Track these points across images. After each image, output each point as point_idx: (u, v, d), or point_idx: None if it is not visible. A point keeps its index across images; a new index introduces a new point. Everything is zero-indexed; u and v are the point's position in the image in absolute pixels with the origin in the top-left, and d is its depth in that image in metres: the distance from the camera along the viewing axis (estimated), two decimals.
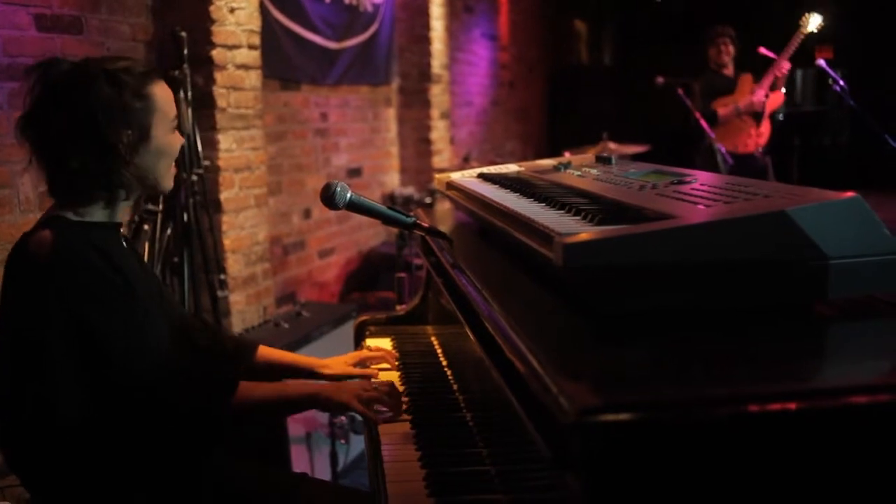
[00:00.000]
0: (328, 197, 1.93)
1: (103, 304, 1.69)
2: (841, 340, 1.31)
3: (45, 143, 1.76)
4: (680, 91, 5.84)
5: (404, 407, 1.93)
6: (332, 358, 2.21)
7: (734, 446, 0.97)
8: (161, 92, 1.83)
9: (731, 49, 6.04)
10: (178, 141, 1.89)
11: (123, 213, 1.88)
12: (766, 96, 5.81)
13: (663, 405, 0.96)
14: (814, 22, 5.58)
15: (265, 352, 2.17)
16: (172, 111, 1.86)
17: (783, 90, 5.95)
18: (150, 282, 1.95)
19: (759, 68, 5.94)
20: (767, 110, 5.87)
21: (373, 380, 2.12)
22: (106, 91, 1.74)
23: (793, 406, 0.98)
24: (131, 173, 1.78)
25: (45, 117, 1.76)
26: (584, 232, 1.32)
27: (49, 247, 1.68)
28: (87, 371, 1.68)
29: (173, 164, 1.89)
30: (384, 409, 1.90)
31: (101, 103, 1.73)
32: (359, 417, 3.31)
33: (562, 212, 1.60)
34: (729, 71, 6.08)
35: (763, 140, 5.96)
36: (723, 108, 5.86)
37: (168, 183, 1.89)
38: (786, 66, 5.75)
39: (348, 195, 1.94)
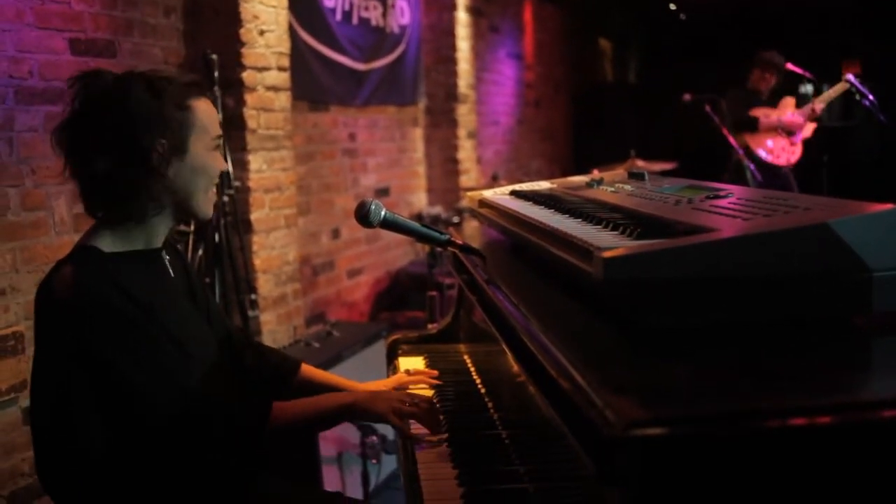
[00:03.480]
0: (363, 215, 1.92)
1: (122, 344, 1.66)
2: (887, 354, 1.28)
3: (78, 149, 1.72)
4: (707, 108, 5.84)
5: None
6: (373, 382, 2.20)
7: (783, 459, 0.95)
8: (203, 107, 1.79)
9: (774, 81, 6.15)
10: (217, 162, 1.82)
11: (162, 237, 1.84)
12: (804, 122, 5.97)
13: (711, 418, 0.95)
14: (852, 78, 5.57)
15: (308, 371, 2.15)
16: (214, 129, 1.81)
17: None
18: (196, 305, 1.94)
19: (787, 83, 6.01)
20: (802, 136, 6.01)
21: (410, 389, 2.11)
22: (144, 97, 1.71)
23: (842, 419, 0.96)
24: (164, 187, 1.74)
25: (82, 123, 1.72)
26: (624, 246, 1.31)
27: (69, 285, 1.66)
28: (110, 409, 1.66)
29: (213, 189, 1.83)
30: (421, 427, 1.86)
31: (137, 109, 1.70)
32: (391, 437, 3.33)
33: (599, 227, 1.59)
34: (763, 97, 6.17)
35: (794, 158, 6.00)
36: (765, 118, 5.91)
37: (206, 209, 1.83)
38: (820, 107, 5.92)
39: (383, 213, 1.93)
